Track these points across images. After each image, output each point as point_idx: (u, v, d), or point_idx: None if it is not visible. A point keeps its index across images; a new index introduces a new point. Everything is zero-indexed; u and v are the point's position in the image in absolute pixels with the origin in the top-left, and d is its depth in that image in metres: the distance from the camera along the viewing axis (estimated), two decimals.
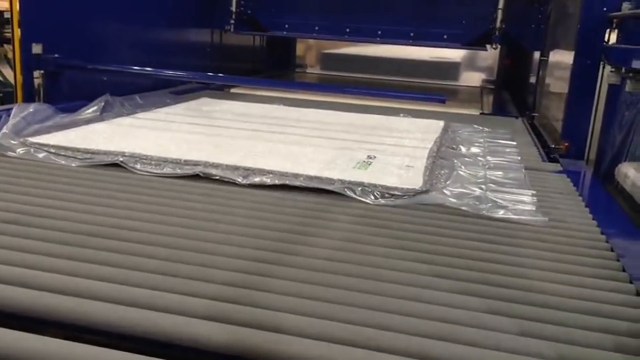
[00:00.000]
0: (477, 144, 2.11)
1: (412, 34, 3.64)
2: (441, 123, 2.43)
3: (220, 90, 3.30)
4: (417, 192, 1.44)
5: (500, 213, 1.36)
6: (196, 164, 1.56)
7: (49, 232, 1.10)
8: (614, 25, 2.17)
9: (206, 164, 1.56)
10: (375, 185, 1.46)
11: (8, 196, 1.29)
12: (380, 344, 0.79)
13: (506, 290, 0.98)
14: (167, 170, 1.54)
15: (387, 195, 1.43)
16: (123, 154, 1.60)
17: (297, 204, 1.36)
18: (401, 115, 2.64)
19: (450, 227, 1.27)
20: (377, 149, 1.90)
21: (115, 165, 1.57)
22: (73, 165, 1.57)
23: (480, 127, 2.47)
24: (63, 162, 1.58)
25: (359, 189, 1.44)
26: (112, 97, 2.32)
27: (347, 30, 3.71)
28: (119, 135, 1.87)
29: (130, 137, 1.85)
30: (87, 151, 1.63)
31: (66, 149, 1.64)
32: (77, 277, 0.92)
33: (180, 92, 2.95)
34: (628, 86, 1.89)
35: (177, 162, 1.57)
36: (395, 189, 1.45)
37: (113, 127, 2.02)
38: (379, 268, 1.03)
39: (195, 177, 1.51)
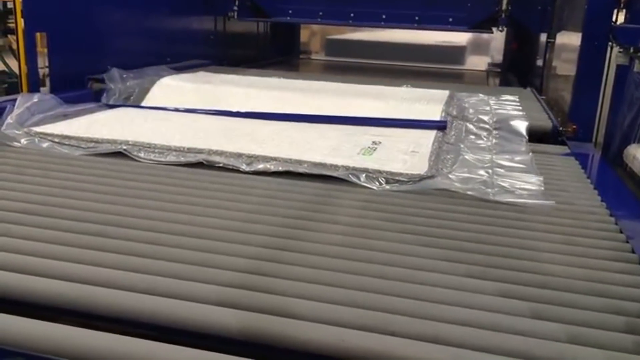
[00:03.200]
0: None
1: (417, 18, 3.60)
2: (447, 92, 2.38)
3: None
4: (422, 178, 1.43)
5: (507, 197, 1.35)
6: (200, 151, 1.55)
7: (57, 220, 1.10)
8: (622, 5, 2.14)
9: (210, 152, 1.55)
10: (380, 172, 1.45)
11: (14, 185, 1.29)
12: (393, 328, 0.79)
13: (517, 273, 0.97)
14: (171, 158, 1.53)
15: (392, 181, 1.42)
16: (127, 142, 1.60)
17: (303, 190, 1.35)
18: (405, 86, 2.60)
19: (457, 211, 1.26)
20: (382, 133, 1.88)
21: (118, 153, 1.56)
22: (77, 154, 1.56)
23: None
24: (67, 151, 1.58)
25: (364, 175, 1.43)
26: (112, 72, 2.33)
27: (352, 15, 3.67)
28: (123, 123, 1.86)
29: (134, 124, 1.85)
30: (90, 140, 1.63)
31: (70, 138, 1.64)
32: (88, 265, 0.92)
33: (180, 68, 2.91)
34: (637, 66, 1.87)
35: (180, 150, 1.56)
36: (400, 174, 1.44)
37: (117, 115, 2.01)
38: (387, 252, 1.03)
39: (199, 164, 1.50)
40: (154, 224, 1.11)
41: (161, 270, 0.92)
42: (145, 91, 2.29)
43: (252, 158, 1.52)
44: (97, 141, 1.62)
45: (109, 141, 1.62)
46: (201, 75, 2.66)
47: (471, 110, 2.12)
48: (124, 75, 2.35)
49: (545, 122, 2.10)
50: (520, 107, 2.24)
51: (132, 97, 2.28)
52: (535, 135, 1.97)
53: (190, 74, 2.61)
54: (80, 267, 0.92)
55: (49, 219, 1.11)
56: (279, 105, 2.14)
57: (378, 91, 2.38)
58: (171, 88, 2.32)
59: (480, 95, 2.40)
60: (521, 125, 1.93)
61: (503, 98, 2.40)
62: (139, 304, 0.83)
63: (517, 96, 2.45)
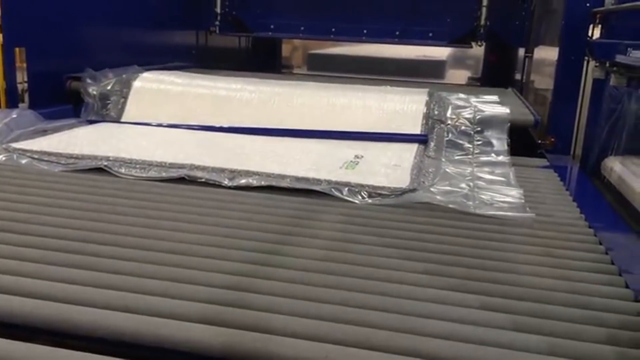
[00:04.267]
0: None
1: (397, 33, 3.64)
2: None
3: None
4: (404, 191, 1.44)
5: (488, 210, 1.36)
6: (181, 166, 1.54)
7: (34, 237, 1.09)
8: (597, 20, 2.19)
9: (191, 167, 1.54)
10: (362, 185, 1.45)
11: None
12: (373, 343, 0.79)
13: (498, 285, 0.97)
14: (152, 173, 1.52)
15: (374, 194, 1.42)
16: (107, 158, 1.58)
17: (285, 204, 1.35)
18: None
19: (438, 224, 1.26)
20: (365, 146, 1.88)
21: (99, 169, 1.55)
22: (56, 170, 1.54)
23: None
24: (46, 167, 1.56)
25: (346, 189, 1.43)
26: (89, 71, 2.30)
27: (333, 30, 3.70)
28: (103, 138, 1.85)
29: (115, 139, 1.83)
30: (70, 156, 1.61)
31: (49, 154, 1.62)
32: (66, 284, 0.91)
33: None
34: (613, 80, 1.90)
35: (162, 165, 1.55)
36: (383, 188, 1.44)
37: (97, 130, 2.00)
38: (368, 267, 1.02)
39: (181, 180, 1.49)
40: (133, 241, 1.09)
41: (141, 288, 0.91)
42: (126, 85, 2.26)
43: (235, 173, 1.52)
44: (77, 157, 1.60)
45: (89, 157, 1.60)
46: (180, 73, 2.58)
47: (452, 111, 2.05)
48: (101, 77, 2.31)
49: (527, 116, 2.13)
50: (501, 103, 2.15)
51: (112, 98, 2.23)
52: (518, 130, 2.02)
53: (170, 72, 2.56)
54: (56, 285, 0.90)
55: (25, 236, 1.09)
56: (258, 111, 2.12)
57: (359, 91, 2.27)
58: (151, 88, 2.27)
59: (461, 95, 2.24)
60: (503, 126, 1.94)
61: (485, 98, 2.26)
62: (119, 322, 0.81)
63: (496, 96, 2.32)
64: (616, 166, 1.85)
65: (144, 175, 1.51)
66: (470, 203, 1.39)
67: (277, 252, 1.07)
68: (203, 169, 1.53)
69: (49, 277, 0.93)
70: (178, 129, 2.06)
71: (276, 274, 0.98)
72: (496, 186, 1.54)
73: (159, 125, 2.09)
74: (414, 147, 1.88)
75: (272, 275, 0.97)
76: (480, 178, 1.60)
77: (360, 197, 1.41)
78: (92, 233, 1.12)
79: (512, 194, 1.47)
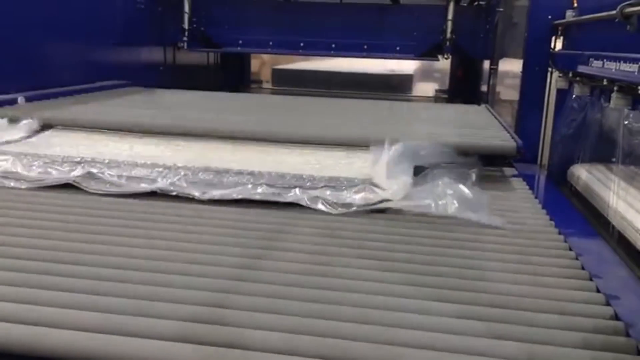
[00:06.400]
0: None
1: (365, 47, 3.69)
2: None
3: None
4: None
5: (461, 213, 1.36)
6: (153, 180, 1.51)
7: (5, 260, 1.05)
8: (559, 32, 2.25)
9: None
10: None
11: None
12: (354, 355, 0.78)
13: (473, 294, 0.98)
14: (124, 188, 1.49)
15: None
16: (75, 175, 1.53)
17: (259, 218, 1.33)
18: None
19: (413, 234, 1.27)
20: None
21: (67, 185, 1.51)
22: (23, 187, 1.50)
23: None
24: (12, 184, 1.51)
25: (320, 200, 1.43)
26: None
27: (301, 44, 3.73)
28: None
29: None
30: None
31: (14, 172, 1.56)
32: (39, 306, 0.88)
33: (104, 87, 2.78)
34: (576, 90, 1.95)
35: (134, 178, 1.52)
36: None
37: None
38: (344, 278, 1.02)
39: (153, 194, 1.47)
40: (104, 259, 1.07)
41: (114, 307, 0.88)
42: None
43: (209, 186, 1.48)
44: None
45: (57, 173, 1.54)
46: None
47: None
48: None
49: (508, 141, 1.86)
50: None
51: None
52: (500, 158, 1.86)
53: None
54: (29, 307, 0.87)
55: None
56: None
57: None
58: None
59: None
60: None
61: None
62: (93, 342, 0.79)
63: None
64: (582, 174, 1.89)
65: (114, 190, 1.48)
66: (441, 210, 1.39)
67: (253, 266, 1.06)
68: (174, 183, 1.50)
69: (20, 299, 0.90)
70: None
71: (253, 289, 0.97)
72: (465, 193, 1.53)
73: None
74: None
75: (249, 290, 0.96)
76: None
77: (334, 208, 1.40)
78: (63, 253, 1.09)
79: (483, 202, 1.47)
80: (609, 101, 1.64)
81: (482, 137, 1.84)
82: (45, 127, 1.99)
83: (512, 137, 1.91)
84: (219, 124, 2.04)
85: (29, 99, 2.24)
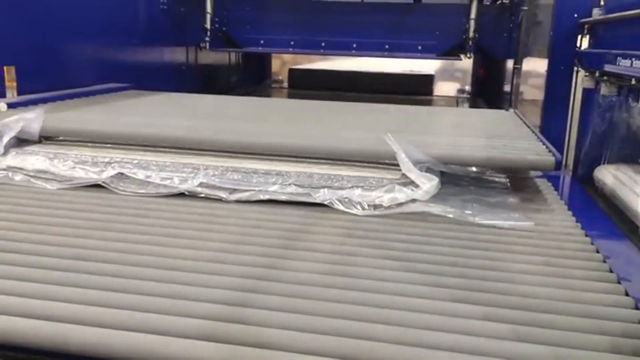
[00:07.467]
0: None
1: (387, 46, 3.67)
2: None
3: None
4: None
5: (486, 220, 1.35)
6: (182, 181, 1.52)
7: (33, 257, 1.07)
8: (586, 31, 2.22)
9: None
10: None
11: None
12: (376, 356, 0.78)
13: (499, 296, 0.97)
14: (151, 189, 1.50)
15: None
16: (107, 176, 1.55)
17: (285, 218, 1.34)
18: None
19: (436, 235, 1.26)
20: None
21: (97, 185, 1.53)
22: (54, 188, 1.52)
23: None
24: (44, 184, 1.54)
25: (346, 200, 1.42)
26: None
27: (323, 44, 3.73)
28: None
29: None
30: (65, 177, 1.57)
31: (46, 172, 1.59)
32: (65, 302, 0.89)
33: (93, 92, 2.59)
34: (603, 89, 1.92)
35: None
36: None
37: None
38: (368, 279, 1.02)
39: (181, 195, 1.48)
40: (131, 258, 1.08)
41: (139, 305, 0.89)
42: None
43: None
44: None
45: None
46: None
47: None
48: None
49: (546, 156, 1.59)
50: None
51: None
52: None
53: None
54: (55, 304, 0.88)
55: (26, 256, 1.07)
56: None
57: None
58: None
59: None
60: None
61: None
62: (117, 340, 0.80)
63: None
64: (609, 175, 1.86)
65: (142, 191, 1.50)
66: (468, 212, 1.38)
67: (277, 266, 1.06)
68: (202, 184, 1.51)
69: (48, 296, 0.91)
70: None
71: (277, 288, 0.97)
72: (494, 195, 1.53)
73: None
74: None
75: (273, 290, 0.96)
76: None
77: (359, 209, 1.40)
78: (90, 251, 1.10)
79: (510, 204, 1.46)
80: (637, 101, 1.61)
81: (514, 149, 1.65)
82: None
83: (550, 150, 1.65)
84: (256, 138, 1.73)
85: (30, 102, 2.09)
